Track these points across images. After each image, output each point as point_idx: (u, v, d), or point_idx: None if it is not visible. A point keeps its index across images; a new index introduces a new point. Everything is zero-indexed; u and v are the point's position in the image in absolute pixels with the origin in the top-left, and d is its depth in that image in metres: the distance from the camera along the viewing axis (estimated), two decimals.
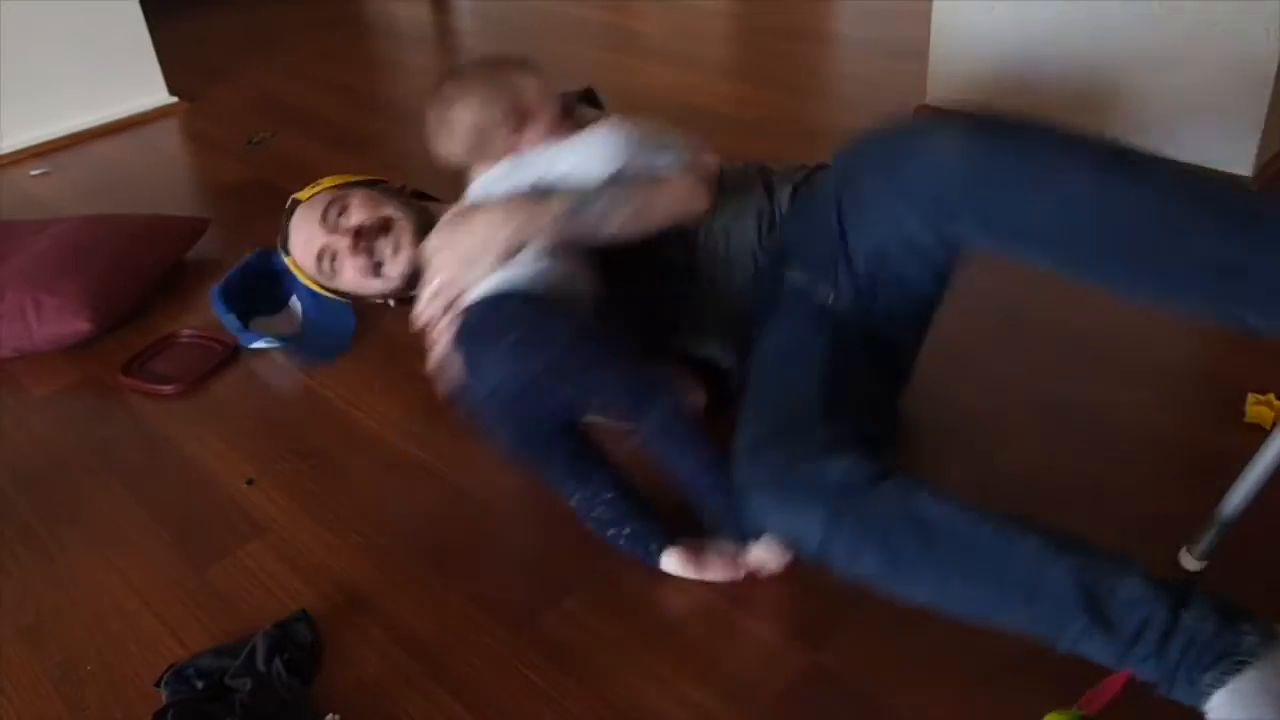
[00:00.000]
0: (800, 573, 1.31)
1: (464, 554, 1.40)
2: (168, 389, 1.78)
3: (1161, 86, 2.13)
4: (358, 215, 1.56)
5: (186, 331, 1.94)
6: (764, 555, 1.26)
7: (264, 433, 1.67)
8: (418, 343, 1.86)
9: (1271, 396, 1.51)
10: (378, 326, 1.92)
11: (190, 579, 1.40)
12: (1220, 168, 2.12)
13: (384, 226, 1.55)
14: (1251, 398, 1.51)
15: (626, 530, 1.33)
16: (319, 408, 1.72)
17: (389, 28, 3.72)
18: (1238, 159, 2.10)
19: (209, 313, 1.99)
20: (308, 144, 2.76)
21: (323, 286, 1.65)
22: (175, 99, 3.10)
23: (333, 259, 1.58)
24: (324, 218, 1.57)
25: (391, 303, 1.68)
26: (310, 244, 1.59)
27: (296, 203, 1.64)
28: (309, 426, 1.68)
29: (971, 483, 1.45)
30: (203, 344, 1.90)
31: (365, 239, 1.54)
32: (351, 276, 1.58)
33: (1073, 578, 0.99)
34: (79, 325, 1.88)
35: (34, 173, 2.73)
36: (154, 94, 3.07)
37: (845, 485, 1.06)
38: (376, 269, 1.56)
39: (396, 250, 1.56)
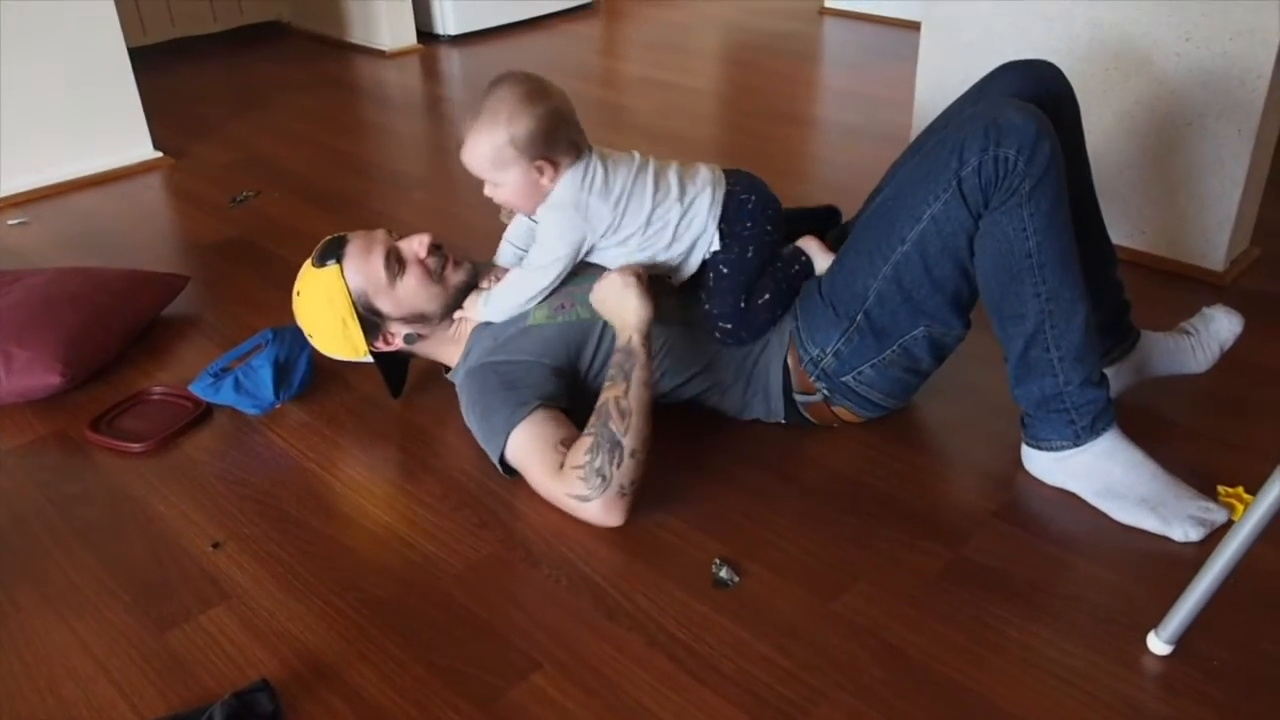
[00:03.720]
0: (770, 655, 1.30)
1: (431, 626, 1.38)
2: (136, 447, 1.76)
3: (1135, 183, 2.19)
4: (423, 238, 1.70)
5: (158, 389, 1.92)
6: None
7: (233, 495, 1.65)
8: (394, 408, 1.85)
9: (1240, 489, 1.53)
10: (356, 391, 1.91)
11: (149, 643, 1.37)
12: (1192, 262, 2.17)
13: (443, 250, 1.72)
14: (1221, 490, 1.53)
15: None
16: (290, 471, 1.70)
17: (379, 93, 3.76)
18: (1209, 254, 2.15)
19: (182, 370, 1.97)
20: (291, 204, 2.77)
21: (357, 310, 1.67)
22: (160, 154, 3.11)
23: (400, 261, 1.67)
24: (389, 235, 1.71)
25: (404, 337, 1.71)
26: (374, 248, 1.67)
27: (344, 239, 1.70)
28: (279, 490, 1.66)
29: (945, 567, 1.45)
30: (174, 402, 1.88)
31: (435, 252, 1.69)
32: (414, 282, 1.67)
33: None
34: (50, 379, 1.86)
35: (12, 222, 2.72)
36: (139, 148, 3.08)
37: None
38: (440, 275, 1.69)
39: (456, 265, 1.71)
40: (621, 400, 1.51)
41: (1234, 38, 1.96)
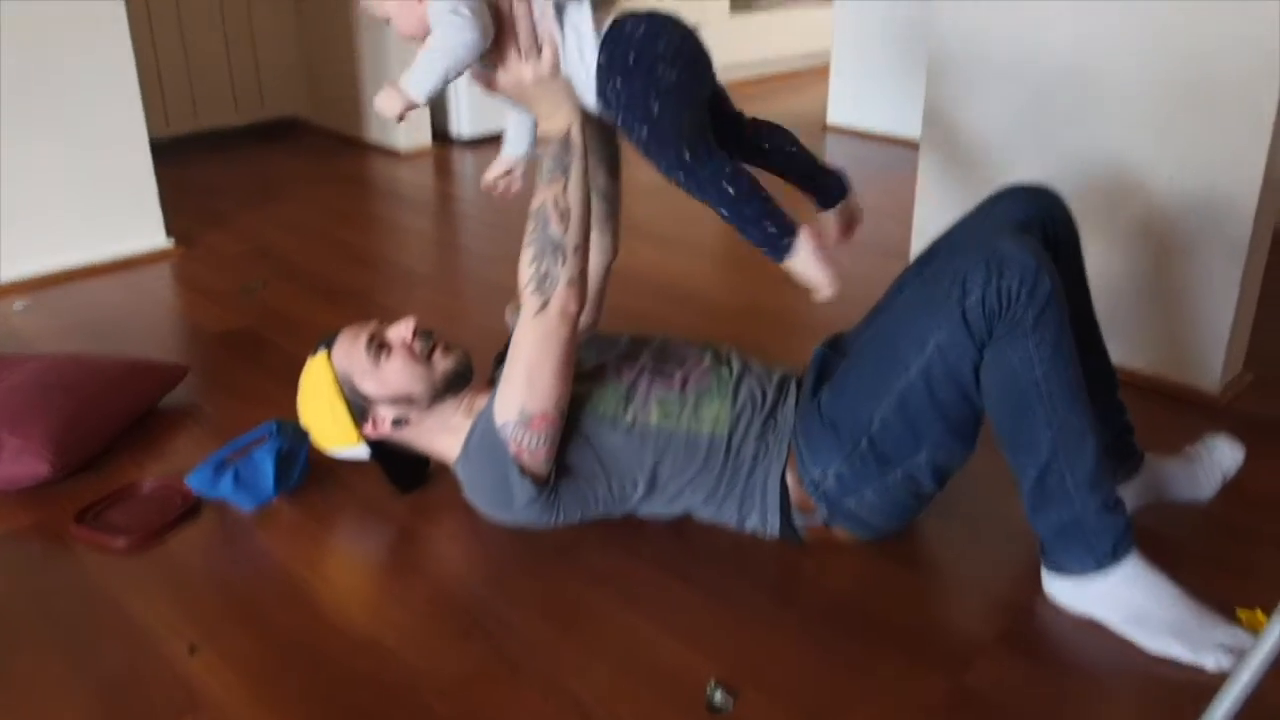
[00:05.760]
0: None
1: None
2: (120, 543, 1.72)
3: (1129, 307, 2.19)
4: (408, 322, 1.71)
5: (149, 481, 1.89)
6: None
7: (215, 596, 1.60)
8: (388, 510, 1.82)
9: (1258, 611, 1.50)
10: (352, 491, 1.88)
11: None
12: (1186, 384, 2.15)
13: (433, 335, 1.72)
14: (1241, 613, 1.51)
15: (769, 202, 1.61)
16: (276, 573, 1.66)
17: (391, 189, 3.82)
18: (1203, 378, 2.14)
19: (176, 461, 1.95)
20: (298, 296, 2.78)
21: (343, 394, 1.67)
22: (172, 243, 3.13)
23: (382, 345, 1.68)
24: (379, 323, 1.73)
25: (391, 420, 1.69)
26: (360, 334, 1.69)
27: (339, 331, 1.73)
28: (263, 593, 1.61)
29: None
30: (164, 495, 1.85)
31: (420, 333, 1.70)
32: (399, 362, 1.66)
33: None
34: (38, 469, 1.83)
35: (17, 307, 2.72)
36: (151, 237, 3.10)
37: None
38: (428, 358, 1.68)
39: (447, 351, 1.70)
40: (560, 199, 1.52)
41: (1222, 170, 1.99)
